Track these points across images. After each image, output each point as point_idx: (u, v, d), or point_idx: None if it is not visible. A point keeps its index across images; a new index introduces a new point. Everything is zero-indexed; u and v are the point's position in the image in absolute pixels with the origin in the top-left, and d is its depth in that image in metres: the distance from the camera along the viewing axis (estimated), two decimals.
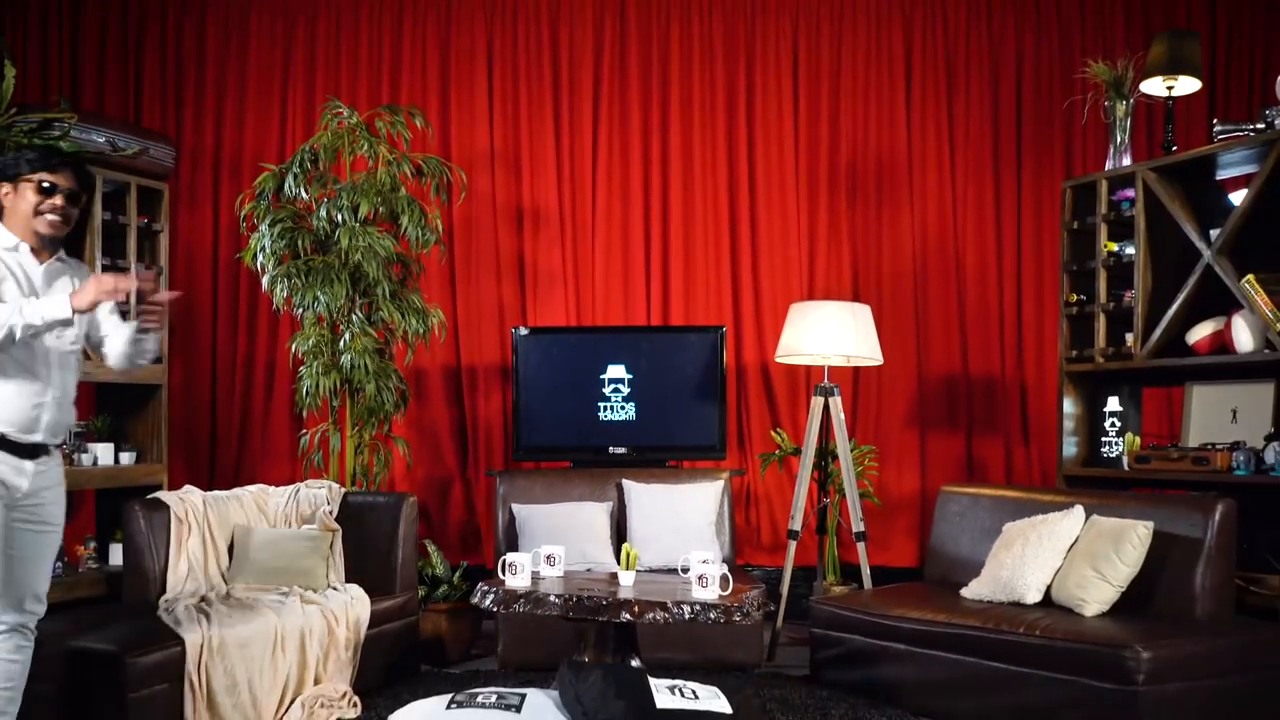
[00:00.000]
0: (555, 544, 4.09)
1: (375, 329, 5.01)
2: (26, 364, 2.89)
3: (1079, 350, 4.81)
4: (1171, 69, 4.52)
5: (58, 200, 2.94)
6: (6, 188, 2.95)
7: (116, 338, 3.14)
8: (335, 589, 4.10)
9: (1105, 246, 4.68)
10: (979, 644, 3.58)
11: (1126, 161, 4.68)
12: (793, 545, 4.90)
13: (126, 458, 4.70)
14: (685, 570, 4.08)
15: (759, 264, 5.89)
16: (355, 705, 3.85)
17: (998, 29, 5.87)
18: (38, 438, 2.93)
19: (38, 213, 2.92)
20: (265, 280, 4.97)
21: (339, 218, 4.94)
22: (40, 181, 2.92)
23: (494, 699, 3.56)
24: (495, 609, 3.64)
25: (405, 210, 5.00)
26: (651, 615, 3.52)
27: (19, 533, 2.94)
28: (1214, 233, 4.25)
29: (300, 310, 4.97)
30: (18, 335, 2.78)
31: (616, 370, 5.28)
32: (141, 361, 3.18)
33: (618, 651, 3.82)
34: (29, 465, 2.93)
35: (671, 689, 3.63)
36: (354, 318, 4.95)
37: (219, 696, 3.52)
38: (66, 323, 2.83)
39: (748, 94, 5.91)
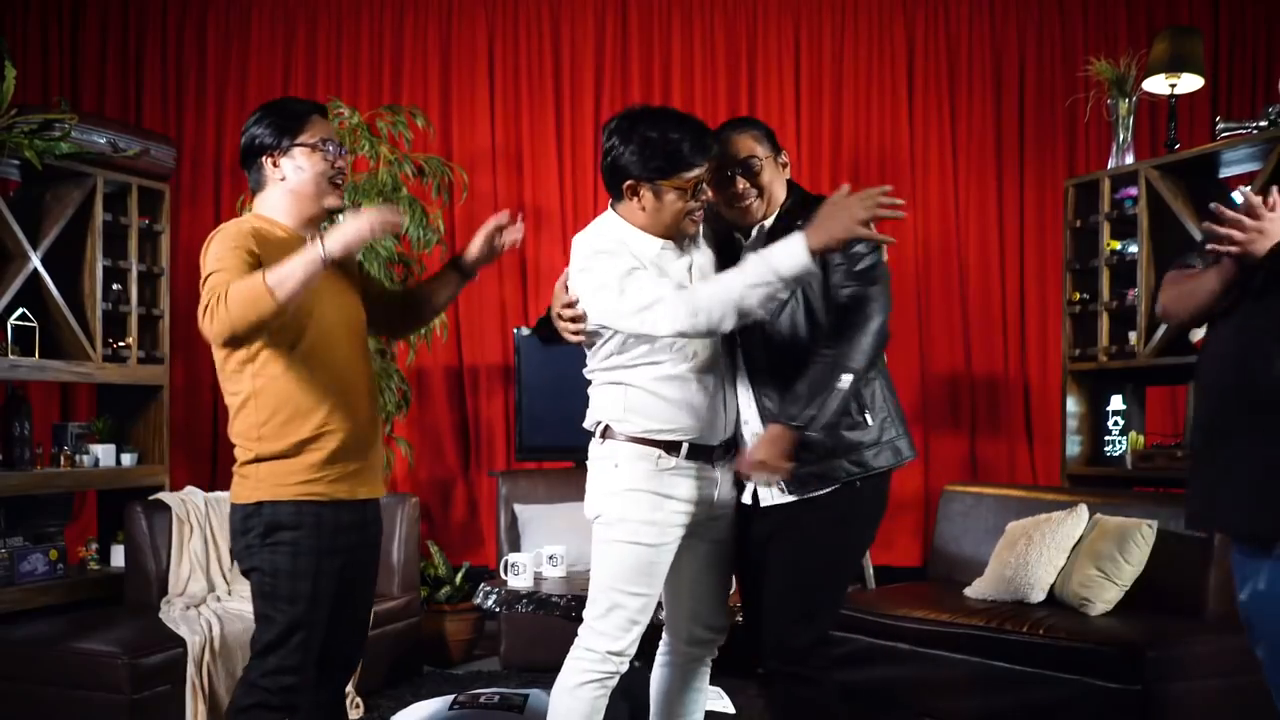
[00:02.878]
0: (557, 544, 4.08)
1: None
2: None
3: (1082, 349, 4.80)
4: (1174, 67, 4.50)
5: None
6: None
7: None
8: None
9: (1108, 245, 4.67)
10: (983, 643, 3.56)
11: (1129, 159, 4.67)
12: None
13: (128, 459, 4.69)
14: None
15: None
16: (358, 706, 3.85)
17: (1000, 27, 5.86)
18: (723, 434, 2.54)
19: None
20: None
21: (339, 218, 4.93)
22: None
23: (496, 700, 3.56)
24: (498, 609, 3.63)
25: (406, 210, 4.99)
26: (654, 615, 3.51)
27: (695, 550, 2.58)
28: None
29: None
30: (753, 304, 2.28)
31: None
32: None
33: None
34: (718, 472, 2.53)
35: None
36: None
37: (221, 698, 3.51)
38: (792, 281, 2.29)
39: (749, 92, 5.90)
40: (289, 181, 2.46)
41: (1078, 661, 3.31)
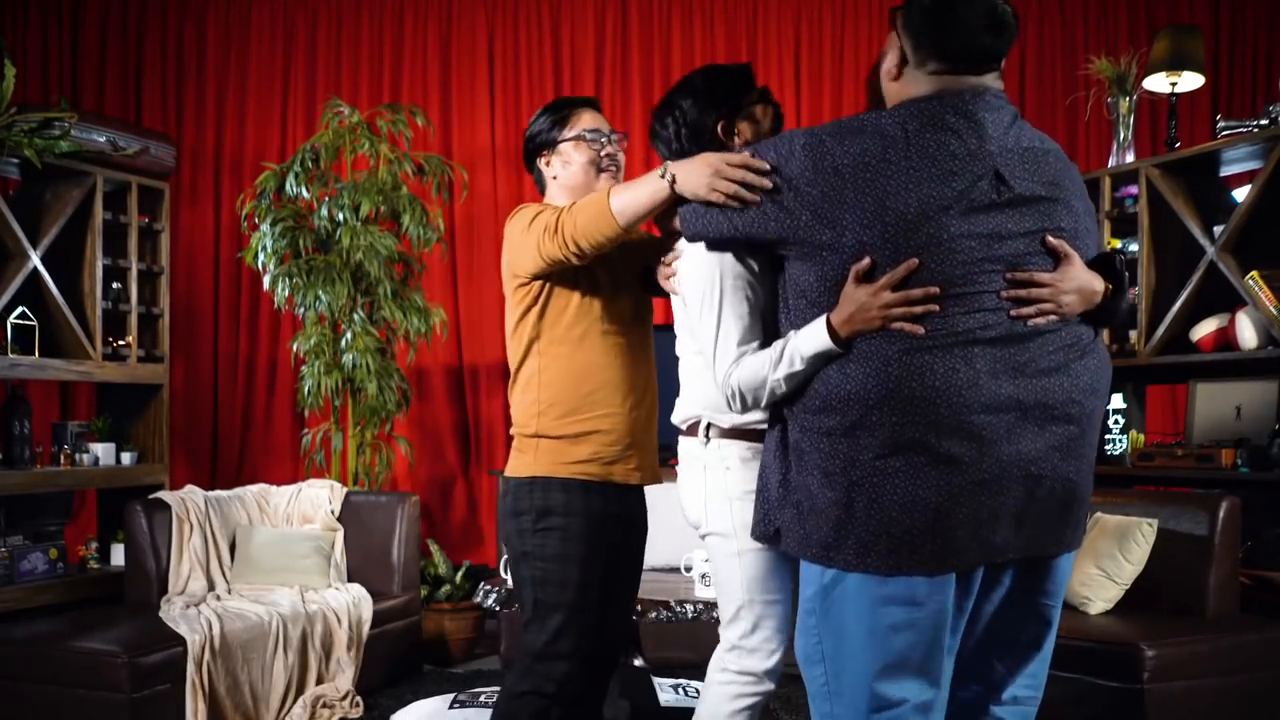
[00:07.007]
0: None
1: (377, 328, 5.00)
2: None
3: None
4: (1175, 65, 4.50)
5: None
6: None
7: None
8: (337, 589, 4.10)
9: (1109, 243, 4.66)
10: None
11: (1130, 158, 4.66)
12: None
13: (128, 458, 4.70)
14: (688, 569, 4.07)
15: None
16: (357, 705, 3.85)
17: None
18: None
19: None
20: (267, 280, 4.96)
21: (340, 217, 4.93)
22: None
23: (496, 698, 3.56)
24: (498, 608, 3.63)
25: (407, 209, 4.99)
26: (654, 614, 3.51)
27: None
28: (1218, 229, 4.24)
29: (302, 310, 4.96)
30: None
31: None
32: None
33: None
34: None
35: (674, 688, 3.64)
36: (355, 317, 4.95)
37: (221, 697, 3.52)
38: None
39: None
40: (560, 177, 2.51)
41: (1077, 660, 3.31)
